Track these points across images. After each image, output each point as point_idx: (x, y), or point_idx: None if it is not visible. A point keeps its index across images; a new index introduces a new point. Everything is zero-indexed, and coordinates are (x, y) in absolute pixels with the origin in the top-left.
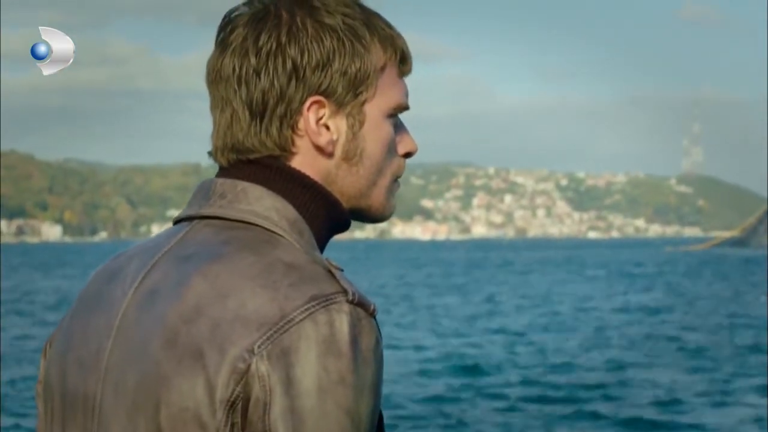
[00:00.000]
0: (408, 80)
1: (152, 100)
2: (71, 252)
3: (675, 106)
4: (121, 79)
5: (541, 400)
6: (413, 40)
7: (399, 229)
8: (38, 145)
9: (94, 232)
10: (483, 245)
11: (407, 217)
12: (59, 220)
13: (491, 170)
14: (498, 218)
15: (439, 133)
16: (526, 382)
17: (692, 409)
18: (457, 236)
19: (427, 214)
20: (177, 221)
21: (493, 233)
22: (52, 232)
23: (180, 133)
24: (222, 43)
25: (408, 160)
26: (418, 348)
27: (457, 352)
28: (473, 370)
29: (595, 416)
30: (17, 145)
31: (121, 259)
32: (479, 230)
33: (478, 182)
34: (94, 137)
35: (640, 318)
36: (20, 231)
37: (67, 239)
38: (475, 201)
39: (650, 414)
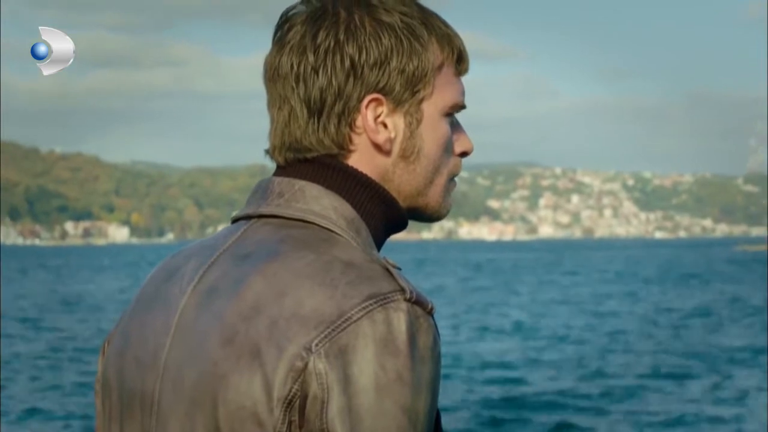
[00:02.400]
0: (473, 80)
1: (217, 101)
2: (151, 252)
3: (740, 105)
4: (185, 80)
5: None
6: (478, 40)
7: (466, 230)
8: (104, 147)
9: (161, 233)
10: (552, 245)
11: (474, 217)
12: (126, 222)
13: (558, 170)
14: (565, 218)
15: (506, 134)
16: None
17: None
18: (523, 237)
19: (494, 215)
20: (235, 220)
21: (560, 233)
22: (119, 233)
23: (246, 135)
24: (280, 41)
25: (474, 161)
26: None
27: None
28: None
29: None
30: (83, 147)
31: (179, 258)
32: (546, 230)
33: (544, 182)
34: (161, 139)
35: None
36: (87, 233)
37: (134, 241)
38: (542, 201)
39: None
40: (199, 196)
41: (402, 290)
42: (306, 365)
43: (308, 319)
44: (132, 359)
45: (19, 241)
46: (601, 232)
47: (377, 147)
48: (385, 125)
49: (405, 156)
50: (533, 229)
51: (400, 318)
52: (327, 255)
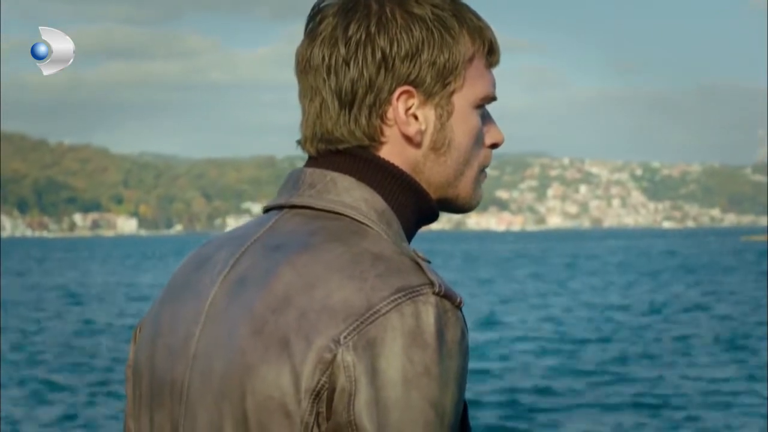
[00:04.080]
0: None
1: (226, 93)
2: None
3: (749, 96)
4: (194, 72)
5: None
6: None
7: (474, 221)
8: (113, 139)
9: (169, 225)
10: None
11: (482, 208)
12: (134, 214)
13: (566, 160)
14: (573, 208)
15: (514, 124)
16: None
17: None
18: (532, 227)
19: (502, 205)
20: (266, 209)
21: (569, 224)
22: (127, 225)
23: (254, 126)
24: (311, 33)
25: None
26: None
27: None
28: None
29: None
30: (92, 139)
31: (210, 247)
32: (554, 221)
33: (552, 173)
34: (169, 131)
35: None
36: (95, 225)
37: (143, 232)
38: (550, 191)
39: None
40: (207, 187)
41: (431, 284)
42: (334, 357)
43: (337, 311)
44: (163, 347)
45: (28, 233)
46: (609, 221)
47: (408, 139)
48: (416, 117)
49: (435, 148)
50: (541, 220)
51: (428, 311)
52: (357, 247)
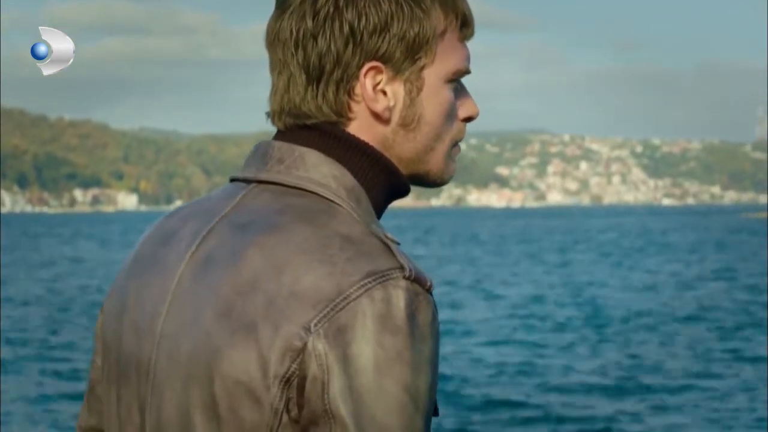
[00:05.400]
0: (482, 48)
1: (225, 69)
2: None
3: (750, 73)
4: (194, 48)
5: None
6: (489, 11)
7: (474, 197)
8: (113, 115)
9: (169, 200)
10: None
11: (482, 184)
12: (135, 189)
13: (566, 137)
14: (573, 185)
15: (514, 101)
16: None
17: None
18: (532, 204)
19: (503, 182)
20: (233, 180)
21: (569, 200)
22: (128, 201)
23: (254, 102)
24: (281, 6)
25: (483, 128)
26: None
27: None
28: None
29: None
30: (92, 114)
31: (175, 220)
32: (554, 197)
33: (553, 149)
34: (169, 106)
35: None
36: (96, 200)
37: (143, 208)
38: (551, 168)
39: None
40: (207, 163)
41: (401, 267)
42: (305, 345)
43: (306, 297)
44: (130, 323)
45: (28, 208)
46: (609, 198)
47: (376, 115)
48: (384, 93)
49: (405, 124)
50: (542, 196)
51: (399, 296)
52: (326, 229)
